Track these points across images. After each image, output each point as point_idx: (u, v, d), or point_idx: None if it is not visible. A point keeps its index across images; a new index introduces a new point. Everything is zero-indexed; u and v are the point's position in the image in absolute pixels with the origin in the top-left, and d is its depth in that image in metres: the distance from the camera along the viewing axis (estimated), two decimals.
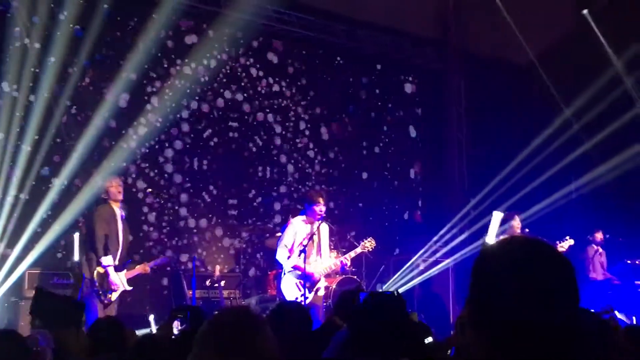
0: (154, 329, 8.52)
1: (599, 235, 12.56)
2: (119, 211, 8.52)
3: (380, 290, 8.41)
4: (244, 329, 2.52)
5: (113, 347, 4.00)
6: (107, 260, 8.18)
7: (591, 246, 12.59)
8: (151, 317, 8.72)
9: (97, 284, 8.19)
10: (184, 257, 11.13)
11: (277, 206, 12.51)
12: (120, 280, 8.31)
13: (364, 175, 13.79)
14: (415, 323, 3.48)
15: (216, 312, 2.65)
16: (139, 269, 8.62)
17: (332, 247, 9.43)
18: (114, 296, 8.29)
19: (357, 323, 3.46)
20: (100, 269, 8.20)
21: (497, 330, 1.65)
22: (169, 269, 10.89)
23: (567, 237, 10.90)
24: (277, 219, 12.34)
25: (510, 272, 1.67)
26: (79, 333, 3.44)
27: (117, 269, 8.36)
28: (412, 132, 14.68)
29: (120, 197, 8.51)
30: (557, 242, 10.85)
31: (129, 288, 8.51)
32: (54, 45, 9.97)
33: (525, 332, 1.62)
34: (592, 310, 4.48)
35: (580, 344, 1.69)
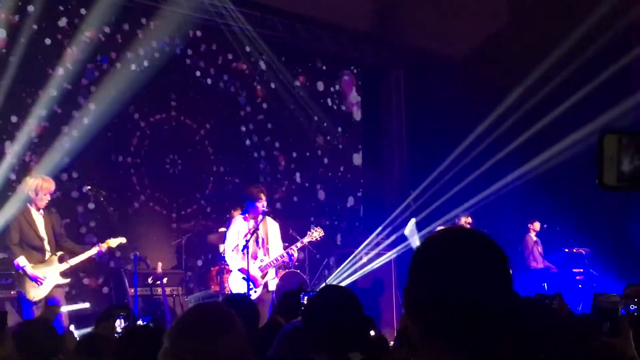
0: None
1: (536, 225, 12.86)
2: (36, 211, 8.41)
3: (334, 284, 8.42)
4: (215, 325, 2.52)
5: (44, 350, 3.89)
6: (21, 261, 8.15)
7: (529, 236, 12.88)
8: (72, 327, 8.59)
9: (18, 285, 8.19)
10: (121, 254, 10.98)
11: (217, 202, 12.46)
12: (44, 273, 8.21)
13: (303, 171, 13.81)
14: (364, 317, 3.49)
15: (188, 308, 2.64)
16: (71, 261, 8.51)
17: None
18: (41, 292, 8.18)
19: (311, 318, 3.46)
20: (19, 272, 8.16)
21: (428, 316, 1.69)
22: (112, 266, 10.77)
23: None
24: (218, 214, 12.28)
25: (439, 258, 1.71)
26: (2, 340, 3.35)
27: (47, 264, 8.32)
28: (352, 126, 14.76)
29: (43, 202, 8.40)
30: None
31: (64, 281, 8.42)
32: None
33: (455, 318, 1.65)
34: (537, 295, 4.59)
35: (514, 328, 1.73)
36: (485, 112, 13.19)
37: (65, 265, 8.45)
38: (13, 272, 8.42)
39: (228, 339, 2.47)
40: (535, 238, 12.93)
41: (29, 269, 8.16)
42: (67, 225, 9.77)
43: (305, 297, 4.66)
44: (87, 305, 8.86)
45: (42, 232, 8.40)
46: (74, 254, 8.58)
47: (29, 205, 8.39)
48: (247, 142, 13.03)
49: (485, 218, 12.02)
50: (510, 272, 1.73)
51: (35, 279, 8.18)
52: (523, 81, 12.65)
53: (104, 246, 8.62)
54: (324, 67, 14.42)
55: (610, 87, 11.98)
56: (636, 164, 1.66)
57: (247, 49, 12.87)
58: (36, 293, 8.18)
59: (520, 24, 13.25)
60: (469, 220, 11.42)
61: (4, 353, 3.15)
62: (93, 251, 8.56)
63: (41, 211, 8.45)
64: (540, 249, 12.91)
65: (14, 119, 10.25)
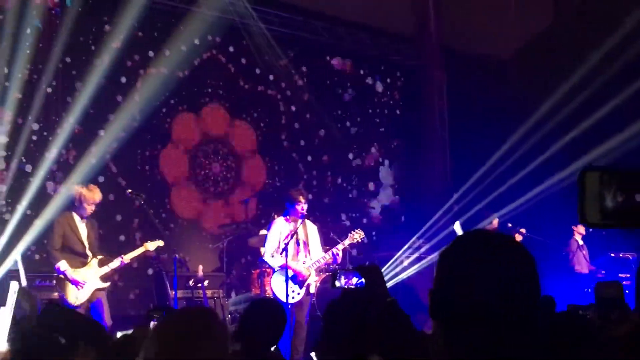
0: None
1: (580, 228, 12.61)
2: (79, 216, 8.54)
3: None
4: (189, 332, 2.51)
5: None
6: (62, 265, 8.27)
7: (574, 239, 12.64)
8: (118, 334, 8.65)
9: (60, 289, 8.31)
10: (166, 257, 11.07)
11: (258, 205, 12.49)
12: (84, 277, 8.31)
13: (343, 174, 13.77)
14: (385, 319, 3.47)
15: (169, 313, 2.64)
16: (115, 262, 8.58)
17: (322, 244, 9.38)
18: (82, 296, 8.27)
19: (331, 321, 3.44)
20: (60, 277, 8.29)
21: (452, 319, 1.69)
22: (151, 272, 10.85)
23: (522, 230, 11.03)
24: (259, 217, 12.32)
25: (463, 262, 1.72)
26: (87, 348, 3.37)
27: (87, 268, 8.44)
28: (394, 128, 14.68)
29: (91, 211, 8.51)
30: (513, 231, 10.99)
31: (104, 285, 8.51)
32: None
33: (478, 321, 1.65)
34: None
35: (538, 334, 1.72)
36: (528, 113, 13.02)
37: (105, 269, 8.53)
38: (55, 275, 8.55)
39: (203, 345, 2.46)
40: (580, 242, 12.67)
41: (70, 273, 8.28)
42: (109, 229, 9.86)
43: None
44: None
45: (84, 238, 8.51)
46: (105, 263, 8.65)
47: (73, 212, 8.50)
48: (285, 144, 13.03)
49: (528, 221, 11.84)
50: (537, 275, 1.71)
51: (75, 283, 8.29)
52: (567, 82, 12.45)
53: (126, 258, 8.67)
54: (365, 70, 14.35)
55: None
56: (619, 201, 1.62)
57: (290, 53, 12.93)
58: (77, 297, 8.28)
59: (565, 24, 13.06)
60: (496, 223, 11.25)
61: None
62: (116, 263, 8.62)
63: (84, 219, 8.56)
64: (585, 253, 12.66)
65: (55, 118, 10.42)
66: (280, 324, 4.49)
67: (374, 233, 13.66)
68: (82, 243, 8.49)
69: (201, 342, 2.47)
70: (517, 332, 1.66)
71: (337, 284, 3.53)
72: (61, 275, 8.29)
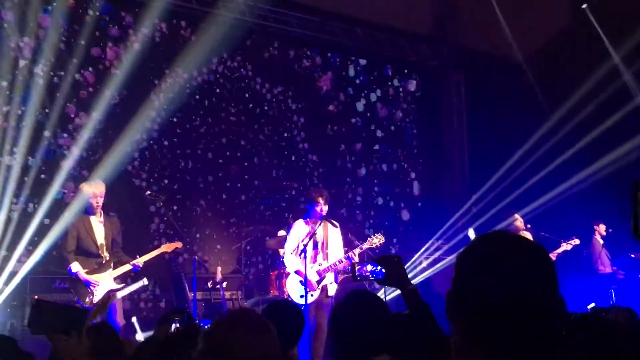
0: (138, 331, 8.53)
1: (602, 228, 12.50)
2: (96, 218, 8.57)
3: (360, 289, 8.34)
4: (247, 331, 2.52)
5: (111, 352, 3.97)
6: (74, 267, 8.30)
7: (596, 238, 12.53)
8: (134, 319, 8.71)
9: (72, 291, 8.35)
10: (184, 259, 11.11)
11: (277, 207, 12.50)
12: (98, 278, 8.33)
13: (363, 172, 13.74)
14: (391, 320, 3.46)
15: (219, 316, 2.65)
16: (122, 268, 8.60)
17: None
18: (97, 296, 8.31)
19: (336, 322, 3.44)
20: (73, 278, 8.33)
21: (470, 319, 1.70)
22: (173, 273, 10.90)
23: (574, 237, 10.91)
24: (278, 218, 12.33)
25: (482, 263, 1.73)
26: (80, 338, 3.40)
27: (102, 269, 8.46)
28: (412, 129, 14.65)
29: (98, 209, 8.55)
30: (563, 241, 10.86)
31: (118, 286, 8.53)
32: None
33: (496, 322, 1.66)
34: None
35: (557, 335, 1.71)
36: (548, 113, 12.96)
37: (118, 271, 8.54)
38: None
39: (257, 345, 2.47)
40: (601, 241, 12.56)
41: (83, 274, 8.30)
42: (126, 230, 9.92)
43: None
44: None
45: (100, 240, 8.52)
46: (120, 265, 8.67)
47: (89, 213, 8.54)
48: (301, 146, 13.02)
49: (548, 221, 11.76)
50: (556, 277, 1.71)
51: (88, 284, 8.31)
52: (585, 83, 12.36)
53: (139, 263, 8.68)
54: (383, 70, 14.33)
55: None
56: None
57: (308, 52, 12.96)
58: (90, 298, 8.31)
59: (582, 24, 12.98)
60: (520, 221, 11.16)
61: (80, 352, 3.18)
62: (124, 268, 8.59)
63: (101, 219, 8.59)
64: (607, 252, 12.54)
65: (77, 120, 10.50)
66: (298, 326, 4.49)
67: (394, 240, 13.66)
68: (96, 245, 8.50)
69: (256, 341, 2.48)
70: (534, 335, 1.66)
71: (357, 276, 3.51)
72: (74, 277, 8.33)
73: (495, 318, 1.65)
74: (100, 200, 8.55)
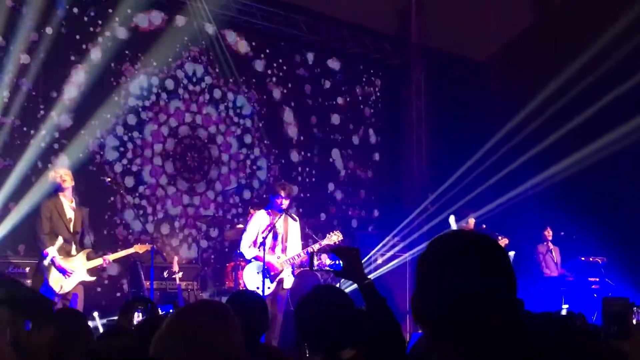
0: (99, 324, 8.45)
1: (548, 233, 12.76)
2: (67, 201, 8.46)
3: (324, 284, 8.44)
4: (210, 323, 2.54)
5: (79, 336, 3.92)
6: (51, 251, 8.15)
7: (542, 244, 12.78)
8: (95, 314, 8.64)
9: (47, 279, 8.15)
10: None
11: (236, 198, 12.50)
12: (72, 267, 8.24)
13: (320, 170, 13.80)
14: (356, 313, 3.51)
15: (185, 305, 2.68)
16: (96, 261, 8.52)
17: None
18: (68, 284, 8.20)
19: (301, 317, 3.48)
20: (45, 262, 8.14)
21: (433, 321, 1.71)
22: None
23: (501, 237, 11.06)
24: (236, 210, 12.34)
25: (441, 264, 1.73)
26: (42, 329, 3.36)
27: (74, 259, 8.34)
28: (372, 127, 14.73)
29: (66, 186, 8.44)
30: (497, 237, 11.05)
31: (90, 279, 8.45)
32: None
33: (460, 323, 1.67)
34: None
35: (518, 335, 1.72)
36: (506, 116, 13.13)
37: (93, 263, 8.46)
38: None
39: (220, 339, 2.51)
40: (551, 246, 12.80)
41: (58, 260, 8.15)
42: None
43: None
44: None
45: (72, 225, 8.41)
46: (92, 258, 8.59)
47: (60, 195, 8.43)
48: (259, 144, 13.03)
49: (502, 224, 11.96)
50: (514, 274, 1.72)
51: (63, 271, 8.15)
52: (545, 86, 12.57)
53: (109, 258, 8.62)
54: (344, 67, 14.38)
55: (635, 95, 11.88)
56: None
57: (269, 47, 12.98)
58: (62, 285, 8.18)
59: (545, 26, 13.16)
60: (472, 223, 11.33)
61: (44, 340, 3.14)
62: (98, 261, 8.56)
63: (73, 204, 8.48)
64: (555, 256, 12.79)
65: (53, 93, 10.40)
66: (263, 316, 4.52)
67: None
68: (68, 228, 8.38)
69: (220, 334, 2.51)
70: (498, 332, 1.68)
71: (314, 266, 3.55)
72: (46, 262, 8.14)
73: (458, 319, 1.67)
74: (69, 181, 8.45)
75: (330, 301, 3.51)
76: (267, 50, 13.11)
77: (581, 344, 3.35)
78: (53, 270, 8.15)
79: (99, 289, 10.67)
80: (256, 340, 4.34)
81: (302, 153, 13.58)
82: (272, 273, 8.60)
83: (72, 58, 10.70)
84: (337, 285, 8.59)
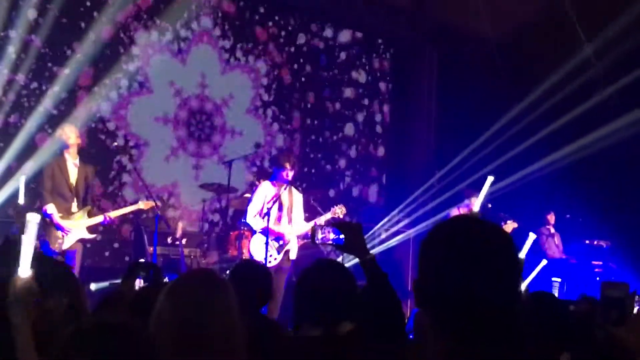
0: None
1: (551, 217, 12.74)
2: (71, 159, 8.51)
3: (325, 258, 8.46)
4: (205, 291, 2.55)
5: (61, 285, 3.84)
6: (49, 208, 8.26)
7: (545, 227, 12.75)
8: (92, 286, 8.69)
9: (45, 235, 8.23)
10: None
11: (243, 166, 12.49)
12: (71, 225, 8.27)
13: (326, 145, 13.74)
14: (356, 288, 3.53)
15: (181, 274, 2.70)
16: (97, 218, 8.55)
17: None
18: (65, 243, 8.25)
19: (301, 289, 3.50)
20: (46, 220, 8.19)
21: (436, 307, 1.71)
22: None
23: (511, 220, 11.03)
24: (244, 178, 12.33)
25: (446, 250, 1.72)
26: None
27: (74, 216, 8.41)
28: (382, 103, 14.65)
29: (71, 142, 8.50)
30: (502, 222, 11.00)
31: (90, 236, 8.50)
32: None
33: (463, 309, 1.67)
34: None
35: (520, 322, 1.73)
36: (517, 97, 13.04)
37: (93, 220, 8.50)
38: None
39: (216, 306, 2.52)
40: (553, 231, 12.77)
41: (57, 217, 8.24)
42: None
43: None
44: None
45: (74, 182, 8.44)
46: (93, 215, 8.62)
47: (65, 154, 8.43)
48: (270, 112, 12.97)
49: (508, 205, 11.91)
50: (518, 260, 1.72)
51: (61, 229, 8.25)
52: (557, 69, 12.46)
53: (109, 215, 8.64)
54: (356, 42, 14.26)
55: None
56: None
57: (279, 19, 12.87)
58: (59, 243, 8.24)
59: (559, 8, 13.00)
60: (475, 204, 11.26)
61: (20, 283, 3.09)
62: (99, 218, 8.58)
63: (77, 162, 8.50)
64: (557, 240, 12.77)
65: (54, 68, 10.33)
66: (264, 286, 4.54)
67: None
68: (70, 188, 8.42)
69: (219, 299, 2.52)
70: (501, 319, 1.68)
71: (316, 239, 3.56)
72: (47, 219, 8.22)
73: (462, 307, 1.67)
74: (74, 138, 8.47)
75: (329, 275, 3.51)
76: (282, 22, 12.99)
77: (574, 328, 3.35)
78: (52, 229, 8.25)
79: (107, 254, 10.73)
80: (255, 310, 4.36)
81: (313, 124, 13.50)
82: (280, 243, 8.62)
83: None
84: (339, 259, 8.65)
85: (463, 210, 11.09)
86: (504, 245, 1.73)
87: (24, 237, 3.22)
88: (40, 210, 8.24)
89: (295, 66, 13.24)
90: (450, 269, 1.68)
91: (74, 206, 8.48)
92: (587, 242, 12.70)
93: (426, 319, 1.78)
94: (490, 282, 1.66)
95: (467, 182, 12.20)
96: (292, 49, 13.21)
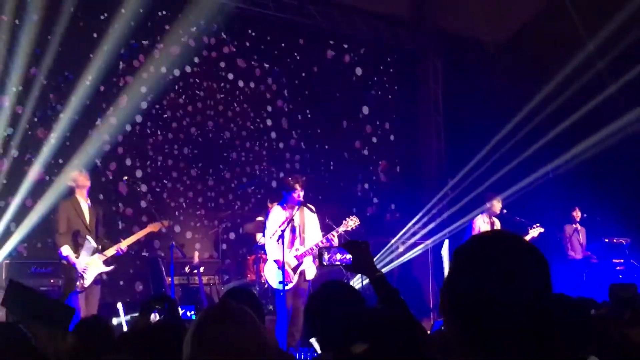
0: (122, 317, 8.52)
1: (577, 213, 12.60)
2: (84, 201, 8.60)
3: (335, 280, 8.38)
4: (224, 328, 2.51)
5: (101, 346, 3.90)
6: (64, 250, 8.32)
7: (570, 225, 12.62)
8: (119, 305, 8.70)
9: (64, 275, 8.41)
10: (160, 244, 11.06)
11: (254, 191, 12.47)
12: (87, 264, 8.33)
13: (338, 159, 13.69)
14: (367, 310, 3.49)
15: (202, 311, 2.64)
16: (111, 250, 8.59)
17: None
18: (87, 281, 8.31)
19: (311, 314, 3.45)
20: (63, 262, 8.34)
21: (467, 317, 1.71)
22: (145, 254, 10.84)
23: (537, 225, 10.97)
24: (255, 203, 12.30)
25: (479, 262, 1.74)
26: (64, 335, 3.36)
27: (92, 253, 8.43)
28: (389, 114, 14.62)
29: (83, 185, 8.62)
30: (528, 227, 10.94)
31: (107, 269, 8.54)
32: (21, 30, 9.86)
33: (492, 320, 1.68)
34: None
35: (550, 333, 1.74)
36: (525, 99, 12.98)
37: (108, 253, 8.54)
38: (55, 261, 8.57)
39: (242, 334, 2.47)
40: (578, 227, 12.62)
41: (73, 258, 8.30)
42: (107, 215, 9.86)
43: None
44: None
45: (88, 221, 8.53)
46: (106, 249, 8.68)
47: (77, 194, 8.55)
48: (283, 125, 12.95)
49: (524, 207, 11.84)
50: (549, 276, 1.74)
51: (78, 268, 8.28)
52: (563, 67, 12.41)
53: (122, 246, 8.69)
54: (360, 54, 14.26)
55: None
56: None
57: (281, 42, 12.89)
58: (81, 282, 8.29)
59: (558, 8, 12.98)
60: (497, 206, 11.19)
61: (66, 346, 3.15)
62: (112, 251, 8.62)
63: (89, 202, 8.59)
64: (581, 238, 12.64)
65: (59, 107, 10.37)
66: (255, 310, 4.45)
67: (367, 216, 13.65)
68: (86, 226, 8.51)
69: (240, 331, 2.48)
70: (528, 331, 1.69)
71: (324, 261, 3.52)
72: (64, 261, 8.32)
73: (492, 318, 1.68)
74: (84, 181, 8.60)
75: (337, 297, 3.47)
76: (282, 44, 13.03)
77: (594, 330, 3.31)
78: (71, 269, 8.33)
79: (121, 282, 10.72)
80: None
81: (324, 143, 13.49)
82: (292, 266, 8.56)
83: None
84: (344, 280, 8.58)
85: (487, 217, 11.04)
86: (534, 257, 1.76)
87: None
88: (57, 252, 8.35)
89: (298, 85, 13.24)
90: (479, 277, 1.71)
91: (92, 247, 8.51)
92: (606, 240, 12.57)
93: (452, 329, 1.76)
94: (521, 292, 1.69)
95: (481, 188, 12.15)
96: (299, 70, 13.21)
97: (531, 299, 1.69)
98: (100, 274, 8.53)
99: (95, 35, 10.64)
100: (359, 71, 14.12)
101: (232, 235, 11.89)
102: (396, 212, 14.06)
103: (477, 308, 1.69)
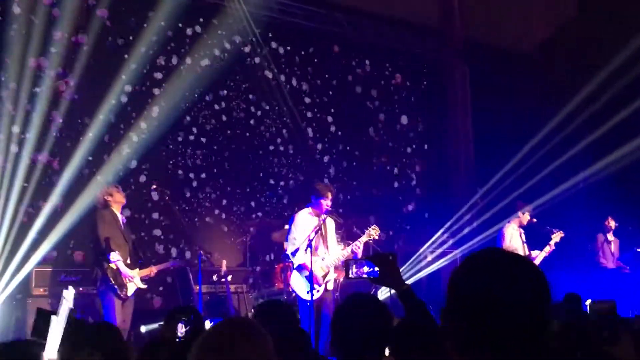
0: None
1: (611, 223, 12.43)
2: (120, 215, 8.63)
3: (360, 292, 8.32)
4: (239, 345, 2.49)
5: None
6: (114, 255, 8.23)
7: (601, 234, 12.47)
8: (143, 329, 8.72)
9: (111, 280, 8.19)
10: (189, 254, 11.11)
11: (283, 199, 12.47)
12: (132, 273, 8.35)
13: (366, 168, 13.66)
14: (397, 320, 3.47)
15: (212, 326, 2.63)
16: (146, 271, 8.60)
17: (339, 240, 9.32)
18: (130, 290, 8.32)
19: (338, 327, 3.43)
20: (112, 266, 8.22)
21: (472, 318, 1.78)
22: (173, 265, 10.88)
23: (558, 230, 10.85)
24: (284, 211, 12.30)
25: (473, 282, 1.82)
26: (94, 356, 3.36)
27: (129, 267, 8.41)
28: (418, 123, 14.55)
29: (121, 203, 8.67)
30: (551, 233, 10.83)
31: (143, 286, 8.52)
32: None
33: (491, 334, 1.76)
34: None
35: (547, 347, 1.82)
36: (556, 107, 12.87)
37: (143, 272, 8.55)
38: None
39: (246, 350, 2.45)
40: (611, 237, 12.45)
41: (122, 265, 8.27)
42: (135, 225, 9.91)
43: None
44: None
45: (125, 236, 8.53)
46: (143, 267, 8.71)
47: (113, 207, 8.56)
48: (310, 140, 12.95)
49: (554, 216, 11.71)
50: (548, 290, 1.81)
51: (125, 276, 8.27)
52: (593, 77, 12.28)
53: (154, 270, 8.70)
54: (389, 63, 14.22)
55: None
56: None
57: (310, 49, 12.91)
58: (124, 292, 8.26)
59: (589, 15, 12.88)
60: (528, 215, 11.07)
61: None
62: (147, 271, 8.63)
63: (124, 218, 8.66)
64: (613, 248, 12.46)
65: (86, 120, 10.44)
66: (293, 326, 4.39)
67: (408, 227, 13.61)
68: (124, 237, 8.51)
69: (244, 346, 2.46)
70: (531, 332, 1.77)
71: (350, 274, 3.50)
72: (113, 265, 8.24)
73: (497, 315, 1.75)
74: (120, 198, 8.64)
75: (363, 310, 3.44)
76: (311, 49, 13.03)
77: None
78: (118, 275, 8.24)
79: (155, 296, 10.77)
80: (300, 348, 4.21)
81: (353, 152, 13.45)
82: (315, 281, 8.51)
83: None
84: (372, 292, 8.53)
85: (517, 225, 10.93)
86: (529, 273, 1.82)
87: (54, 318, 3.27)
88: (107, 259, 8.24)
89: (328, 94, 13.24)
90: (476, 300, 1.78)
91: (128, 258, 8.50)
92: (638, 249, 12.39)
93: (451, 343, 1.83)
94: (516, 310, 1.76)
95: (511, 197, 12.04)
96: (326, 81, 13.21)
97: (534, 301, 1.77)
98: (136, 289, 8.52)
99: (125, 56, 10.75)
100: (388, 81, 14.08)
101: (260, 244, 11.89)
102: (426, 220, 13.95)
103: (483, 309, 1.76)
